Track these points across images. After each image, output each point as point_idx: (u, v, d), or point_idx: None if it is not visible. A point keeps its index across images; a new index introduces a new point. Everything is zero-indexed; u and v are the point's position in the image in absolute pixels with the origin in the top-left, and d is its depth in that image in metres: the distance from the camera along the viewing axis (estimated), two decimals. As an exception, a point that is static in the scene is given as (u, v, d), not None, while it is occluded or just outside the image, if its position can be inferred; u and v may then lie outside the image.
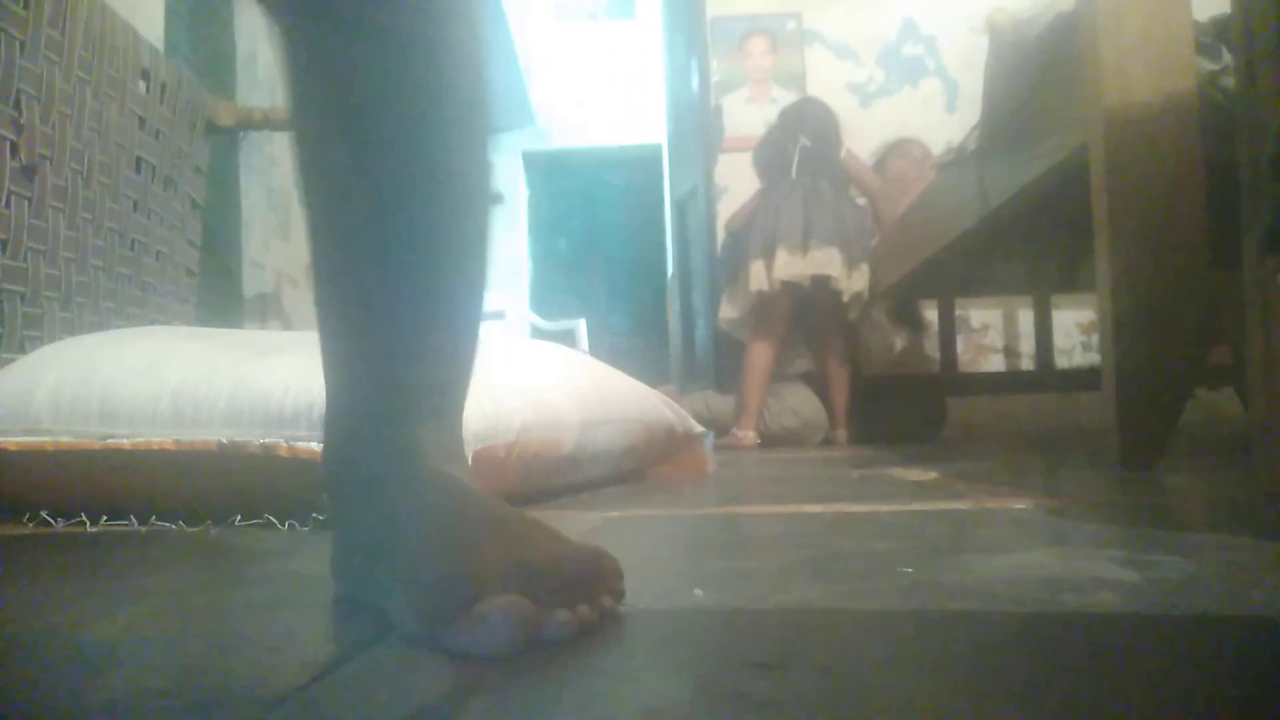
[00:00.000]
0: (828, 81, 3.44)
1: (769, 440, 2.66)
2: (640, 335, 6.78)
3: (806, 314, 2.78)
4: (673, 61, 3.78)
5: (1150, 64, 1.23)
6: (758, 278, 2.67)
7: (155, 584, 0.64)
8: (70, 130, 1.61)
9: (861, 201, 2.91)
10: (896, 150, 3.20)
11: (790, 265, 2.62)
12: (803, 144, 2.77)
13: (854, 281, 2.66)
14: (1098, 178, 1.26)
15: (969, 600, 0.51)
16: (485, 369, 1.07)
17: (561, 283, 7.56)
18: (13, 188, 1.46)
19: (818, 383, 2.82)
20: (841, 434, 2.71)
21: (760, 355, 2.71)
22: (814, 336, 2.83)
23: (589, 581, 0.46)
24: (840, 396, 2.75)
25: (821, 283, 2.62)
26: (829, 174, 2.78)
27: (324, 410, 0.57)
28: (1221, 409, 2.54)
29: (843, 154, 2.85)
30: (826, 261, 2.61)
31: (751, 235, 2.75)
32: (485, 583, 0.42)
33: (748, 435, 2.63)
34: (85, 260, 1.66)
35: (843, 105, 3.39)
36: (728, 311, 2.84)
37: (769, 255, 2.66)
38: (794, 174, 2.76)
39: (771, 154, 2.88)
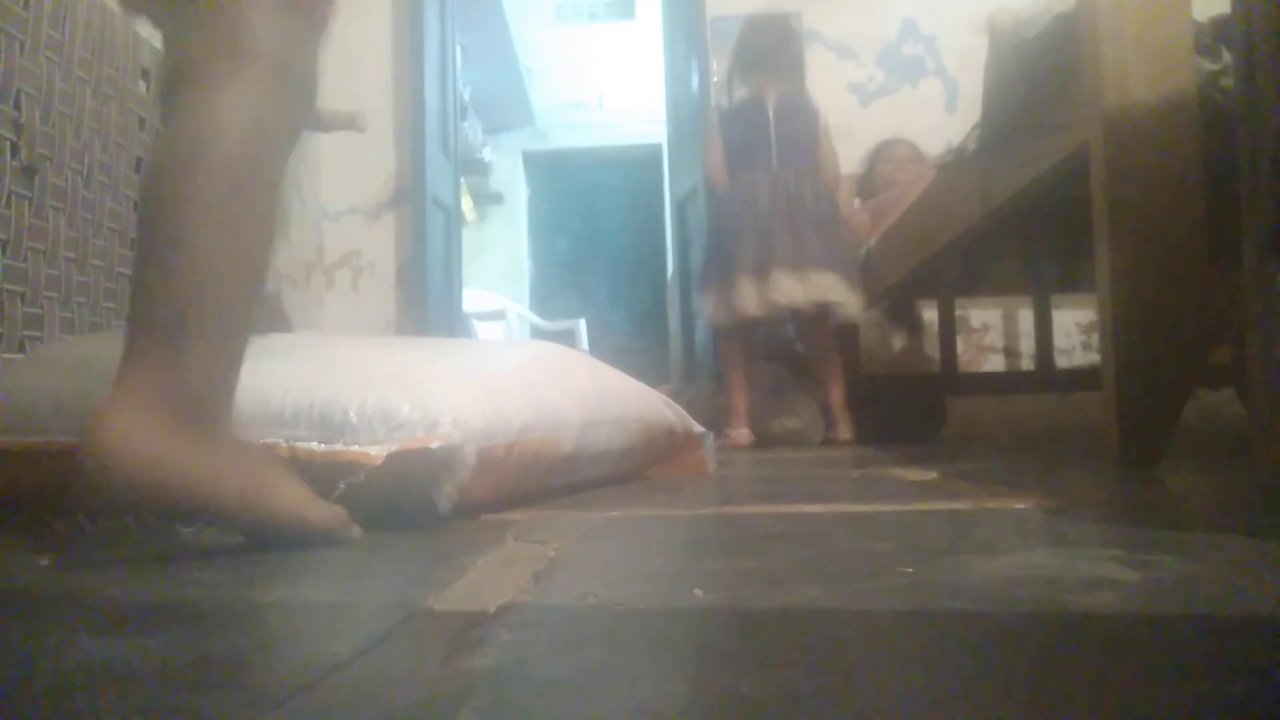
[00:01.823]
0: (828, 81, 3.44)
1: (770, 441, 2.64)
2: (640, 335, 6.78)
3: (797, 313, 2.68)
4: (673, 61, 3.78)
5: (1150, 64, 1.23)
6: (746, 298, 2.55)
7: (154, 584, 0.64)
8: (70, 130, 1.61)
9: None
10: (880, 155, 3.19)
11: (788, 290, 2.51)
12: (777, 132, 2.63)
13: (848, 299, 2.58)
14: (1098, 178, 1.26)
15: (969, 600, 0.51)
16: (485, 368, 1.07)
17: (561, 283, 7.56)
18: (13, 188, 1.46)
19: (811, 379, 2.79)
20: (843, 429, 2.61)
21: (732, 352, 2.64)
22: (805, 333, 2.76)
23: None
24: (836, 392, 2.67)
25: (823, 305, 2.54)
26: (809, 168, 2.65)
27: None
28: (1221, 409, 2.54)
29: (821, 119, 2.71)
30: (830, 288, 2.52)
31: (740, 241, 2.60)
32: None
33: (741, 434, 2.58)
34: (85, 260, 1.66)
35: (843, 105, 3.39)
36: (712, 310, 2.66)
37: (762, 276, 2.54)
38: (775, 165, 2.62)
39: (747, 133, 2.69)
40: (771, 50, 2.74)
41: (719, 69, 3.42)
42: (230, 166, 0.83)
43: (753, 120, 2.66)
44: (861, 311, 2.63)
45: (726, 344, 2.67)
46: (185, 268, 0.80)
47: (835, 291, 2.54)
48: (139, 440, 0.72)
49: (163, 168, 0.83)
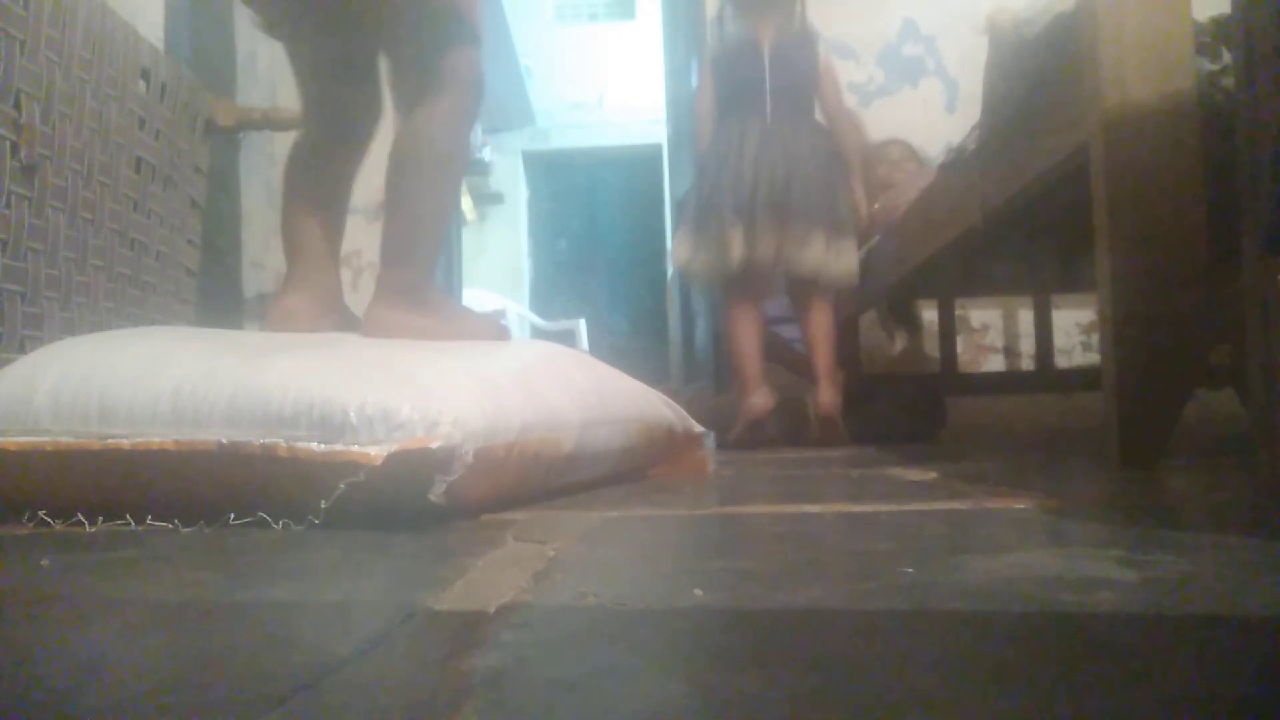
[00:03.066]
0: (828, 81, 3.44)
1: (768, 442, 2.63)
2: (640, 335, 6.78)
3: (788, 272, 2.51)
4: (672, 61, 3.77)
5: (1150, 64, 1.23)
6: (733, 248, 2.36)
7: (154, 584, 0.64)
8: (70, 130, 1.61)
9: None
10: (875, 156, 3.18)
11: (771, 247, 2.35)
12: (772, 84, 2.44)
13: (838, 260, 2.39)
14: (1098, 178, 1.26)
15: (969, 600, 0.51)
16: (485, 368, 1.07)
17: (561, 283, 7.57)
18: (13, 188, 1.46)
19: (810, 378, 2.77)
20: (825, 394, 2.39)
21: (745, 322, 2.47)
22: (793, 292, 2.54)
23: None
24: (822, 346, 2.43)
25: (808, 267, 2.38)
26: (807, 113, 2.48)
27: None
28: (1221, 409, 2.54)
29: (821, 63, 2.52)
30: (816, 250, 2.34)
31: (725, 190, 2.40)
32: None
33: (762, 398, 2.39)
34: (85, 260, 1.66)
35: (843, 105, 3.40)
36: (689, 256, 2.47)
37: (749, 224, 2.36)
38: (769, 114, 2.42)
39: (739, 78, 2.49)
40: None
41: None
42: (441, 156, 1.40)
43: (747, 65, 2.49)
44: (851, 277, 2.45)
45: (730, 300, 2.49)
46: (414, 214, 1.40)
47: (821, 254, 2.37)
48: (390, 316, 1.34)
49: (403, 155, 1.40)
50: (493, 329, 1.46)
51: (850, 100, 3.42)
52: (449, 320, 1.41)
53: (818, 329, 2.47)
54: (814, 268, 2.38)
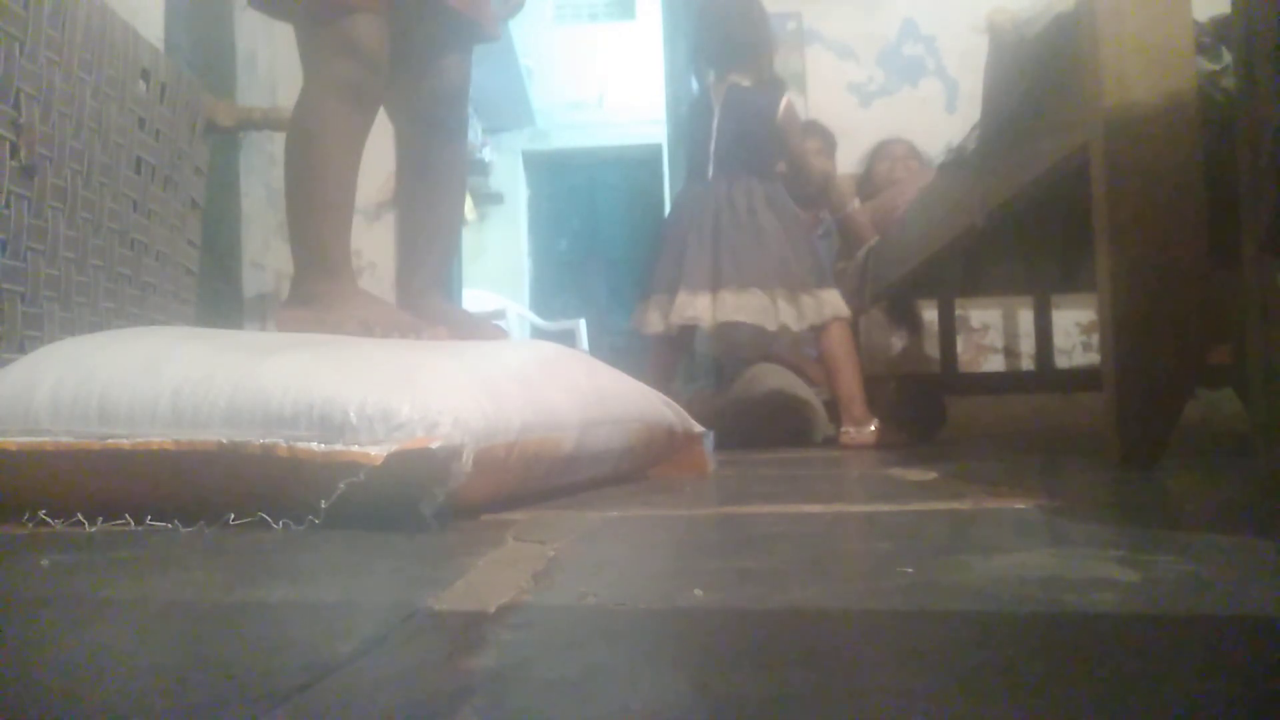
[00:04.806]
0: (828, 81, 3.44)
1: (771, 441, 2.63)
2: (640, 335, 6.76)
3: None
4: (673, 61, 3.78)
5: (1150, 64, 1.23)
6: (652, 320, 2.28)
7: (154, 584, 0.64)
8: (70, 130, 1.61)
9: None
10: (878, 154, 3.18)
11: (696, 309, 2.20)
12: (718, 139, 2.25)
13: (813, 311, 2.21)
14: (1098, 178, 1.26)
15: (969, 600, 0.51)
16: (485, 368, 1.07)
17: (561, 283, 7.56)
18: (13, 188, 1.46)
19: (807, 377, 2.76)
20: (848, 436, 2.25)
21: (656, 365, 2.39)
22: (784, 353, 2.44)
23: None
24: (838, 376, 2.26)
25: (745, 327, 2.19)
26: (761, 170, 2.28)
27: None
28: (1221, 409, 2.54)
29: (781, 108, 2.30)
30: (740, 307, 2.16)
31: (658, 264, 2.31)
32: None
33: None
34: (85, 260, 1.66)
35: (843, 105, 3.40)
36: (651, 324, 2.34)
37: (670, 295, 2.24)
38: (710, 174, 2.27)
39: (695, 141, 2.36)
40: (725, 36, 2.37)
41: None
42: (296, 142, 1.54)
43: (702, 123, 2.38)
44: (823, 313, 2.25)
45: (654, 355, 2.43)
46: (289, 200, 1.59)
47: (748, 310, 2.18)
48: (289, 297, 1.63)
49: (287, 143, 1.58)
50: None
51: (850, 100, 3.43)
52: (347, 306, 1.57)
53: (830, 359, 2.30)
54: (770, 327, 2.23)
